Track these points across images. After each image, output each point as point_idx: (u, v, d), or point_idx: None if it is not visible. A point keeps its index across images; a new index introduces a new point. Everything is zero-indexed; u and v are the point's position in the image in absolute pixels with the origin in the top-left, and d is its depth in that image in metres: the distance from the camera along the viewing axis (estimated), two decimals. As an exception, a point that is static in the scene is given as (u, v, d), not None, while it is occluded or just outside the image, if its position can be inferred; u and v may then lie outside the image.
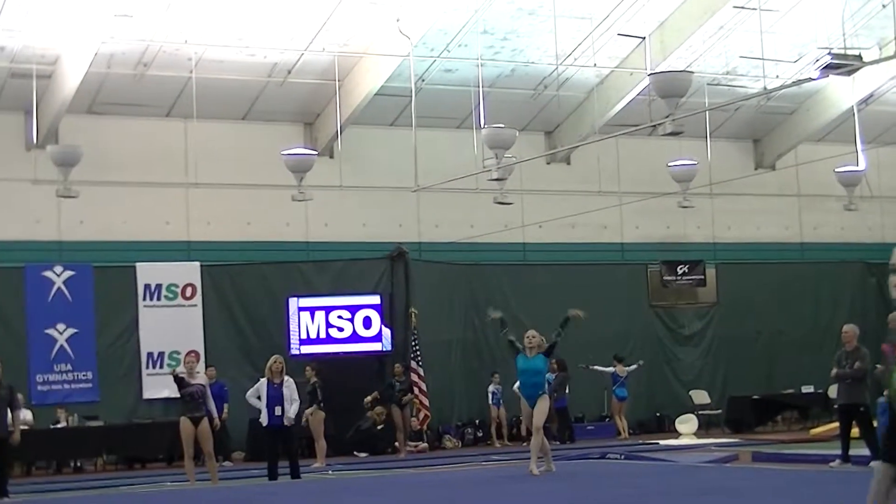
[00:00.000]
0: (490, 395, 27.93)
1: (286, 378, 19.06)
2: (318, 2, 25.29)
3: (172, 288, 26.87)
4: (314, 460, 23.23)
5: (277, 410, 18.77)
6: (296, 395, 19.09)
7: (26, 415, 23.60)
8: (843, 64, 21.99)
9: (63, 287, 26.01)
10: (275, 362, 19.15)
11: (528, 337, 17.71)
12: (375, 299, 27.65)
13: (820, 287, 33.05)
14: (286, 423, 18.87)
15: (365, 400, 26.17)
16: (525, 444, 27.58)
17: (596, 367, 28.75)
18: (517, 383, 27.07)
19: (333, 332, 27.28)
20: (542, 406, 17.55)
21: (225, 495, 17.56)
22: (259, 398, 19.07)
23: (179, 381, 18.95)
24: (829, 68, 21.98)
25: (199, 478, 19.53)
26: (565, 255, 30.82)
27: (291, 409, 18.88)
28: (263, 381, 19.03)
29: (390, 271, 28.46)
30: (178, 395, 19.34)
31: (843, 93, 30.84)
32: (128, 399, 26.49)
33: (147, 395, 26.55)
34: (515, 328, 29.83)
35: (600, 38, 27.63)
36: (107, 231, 26.72)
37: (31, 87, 24.67)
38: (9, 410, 17.98)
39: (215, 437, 24.24)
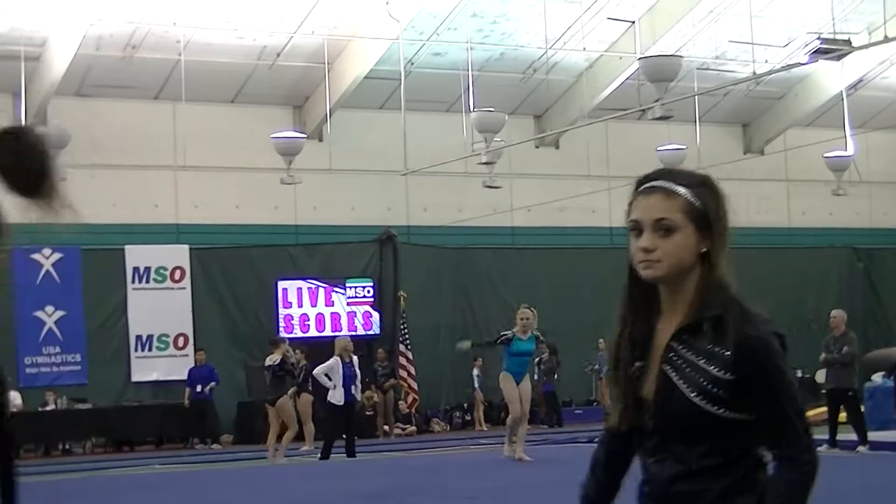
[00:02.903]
0: (476, 379, 27.95)
1: (354, 357, 19.89)
2: (308, -16, 25.25)
3: (161, 271, 26.83)
4: (302, 443, 23.23)
5: (352, 389, 19.52)
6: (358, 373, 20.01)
7: (15, 397, 23.57)
8: (832, 49, 22.04)
9: (52, 269, 25.95)
10: (348, 342, 20.10)
11: (524, 318, 17.39)
12: (365, 282, 27.72)
13: (808, 272, 33.08)
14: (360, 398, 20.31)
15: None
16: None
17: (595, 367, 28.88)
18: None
19: (322, 315, 27.31)
20: (527, 387, 17.63)
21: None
22: (328, 377, 19.42)
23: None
24: (818, 53, 22.04)
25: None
26: (554, 239, 30.82)
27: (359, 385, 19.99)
28: (336, 360, 19.37)
29: (379, 255, 28.49)
30: (280, 374, 20.42)
31: (832, 78, 30.85)
32: (116, 382, 26.46)
33: (136, 377, 26.52)
34: (504, 312, 29.98)
35: (590, 21, 27.59)
36: (95, 213, 26.60)
37: (19, 69, 24.58)
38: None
39: (206, 419, 24.54)
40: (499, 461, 17.71)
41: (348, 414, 19.62)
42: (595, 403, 29.46)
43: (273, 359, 20.60)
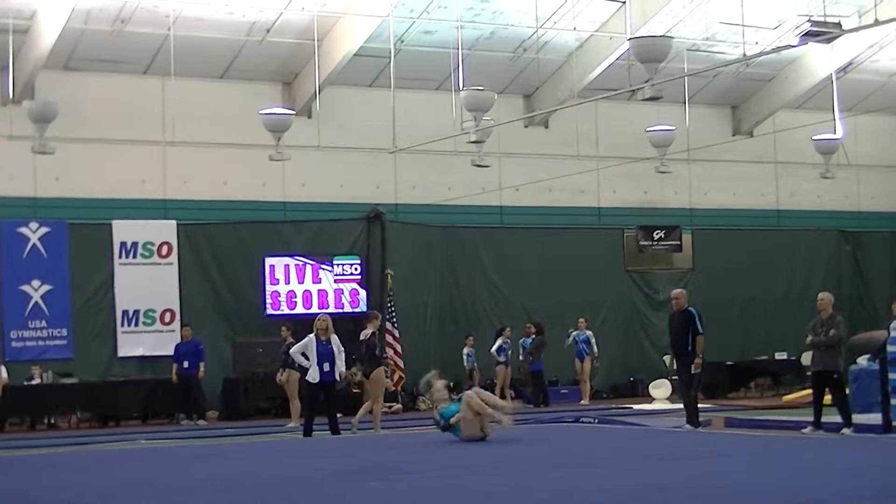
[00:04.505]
0: (465, 358, 27.97)
1: (333, 336, 19.51)
2: (298, -40, 25.16)
3: (148, 246, 26.79)
4: (288, 420, 23.26)
5: (326, 367, 19.28)
6: (341, 348, 19.66)
7: (1, 371, 23.54)
8: (822, 31, 22.00)
9: (38, 243, 25.90)
10: (320, 321, 19.66)
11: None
12: (352, 260, 27.72)
13: (795, 254, 33.17)
14: (338, 377, 19.61)
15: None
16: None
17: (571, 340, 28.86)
18: (494, 346, 27.19)
19: (309, 292, 27.30)
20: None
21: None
22: (305, 356, 19.32)
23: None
24: (808, 35, 22.00)
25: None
26: (542, 219, 30.82)
27: (339, 363, 19.47)
28: (311, 338, 19.29)
29: (367, 232, 28.48)
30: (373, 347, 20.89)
31: (821, 60, 30.85)
32: (102, 357, 26.43)
33: (122, 352, 26.50)
34: (491, 291, 30.04)
35: (580, 1, 27.55)
36: (83, 188, 26.59)
37: (7, 42, 24.47)
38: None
39: (192, 395, 24.46)
40: (485, 440, 17.72)
41: (327, 392, 19.54)
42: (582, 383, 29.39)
43: (366, 333, 21.05)
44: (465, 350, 27.97)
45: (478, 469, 13.45)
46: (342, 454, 16.27)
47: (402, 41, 27.40)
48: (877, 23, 21.64)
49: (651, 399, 27.88)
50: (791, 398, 26.16)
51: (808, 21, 22.60)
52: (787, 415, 21.42)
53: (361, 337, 21.21)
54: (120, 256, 26.61)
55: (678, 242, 32.08)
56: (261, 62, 27.67)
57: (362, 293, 27.72)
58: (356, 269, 27.78)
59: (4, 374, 23.84)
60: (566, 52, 29.36)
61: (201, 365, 25.16)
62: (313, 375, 19.28)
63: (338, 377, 19.68)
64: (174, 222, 27.10)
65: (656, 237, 31.92)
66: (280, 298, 27.06)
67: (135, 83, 27.17)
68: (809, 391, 19.67)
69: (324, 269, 27.55)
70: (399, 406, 27.01)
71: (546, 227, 30.73)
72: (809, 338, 18.25)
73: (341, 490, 11.75)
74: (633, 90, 23.35)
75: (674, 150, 28.44)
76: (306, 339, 19.59)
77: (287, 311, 26.76)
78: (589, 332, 28.83)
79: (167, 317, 26.76)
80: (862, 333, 24.80)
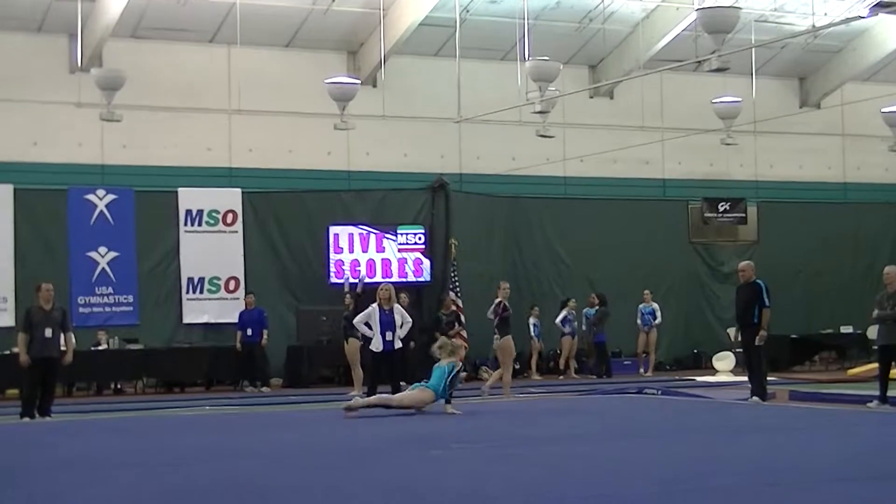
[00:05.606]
0: (532, 328, 27.97)
1: (396, 305, 19.54)
2: (364, -71, 25.14)
3: (213, 214, 26.97)
4: (351, 388, 23.36)
5: (389, 335, 19.32)
6: (408, 318, 19.65)
7: (70, 337, 23.79)
8: (893, 2, 21.74)
9: (105, 210, 26.14)
10: (382, 290, 19.62)
11: None
12: (416, 229, 27.77)
13: (861, 227, 32.86)
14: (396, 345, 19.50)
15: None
16: (561, 377, 27.71)
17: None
18: (559, 317, 27.21)
19: (373, 262, 27.38)
20: None
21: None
22: (368, 325, 19.36)
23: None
24: (878, 6, 21.76)
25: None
26: (606, 190, 30.73)
27: (402, 331, 19.46)
28: (374, 307, 19.33)
29: (431, 202, 28.53)
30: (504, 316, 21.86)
31: (891, 32, 30.48)
32: (168, 323, 26.67)
33: (187, 319, 26.72)
34: (554, 262, 29.97)
35: (647, -29, 27.38)
36: (149, 156, 26.79)
37: (75, 11, 24.66)
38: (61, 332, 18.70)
39: (255, 363, 24.58)
40: (545, 409, 17.75)
41: (389, 361, 19.57)
42: (645, 355, 29.29)
43: (496, 302, 21.86)
44: (532, 320, 27.97)
45: (538, 440, 13.47)
46: (405, 423, 16.33)
47: (468, 11, 27.35)
48: (949, -7, 21.36)
49: (714, 371, 27.78)
50: (856, 372, 25.97)
51: (879, -9, 22.34)
52: (852, 389, 21.28)
53: (492, 307, 21.98)
54: (185, 224, 26.81)
55: (743, 215, 31.88)
56: (326, 31, 27.70)
57: (426, 263, 27.79)
58: (420, 239, 27.84)
59: (73, 340, 24.09)
60: (632, 23, 29.18)
61: (264, 333, 25.32)
62: (376, 344, 19.35)
63: (398, 344, 19.64)
64: (239, 190, 27.25)
65: (721, 209, 31.74)
66: (344, 267, 27.15)
67: (201, 52, 27.31)
68: (875, 365, 19.51)
69: (388, 238, 27.63)
70: (463, 374, 27.01)
71: (610, 199, 30.63)
72: (876, 312, 18.10)
73: (404, 459, 11.81)
74: (700, 61, 23.25)
75: (740, 121, 28.24)
76: (369, 308, 19.62)
77: (351, 280, 26.84)
78: (655, 305, 28.79)
79: (231, 284, 26.95)
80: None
